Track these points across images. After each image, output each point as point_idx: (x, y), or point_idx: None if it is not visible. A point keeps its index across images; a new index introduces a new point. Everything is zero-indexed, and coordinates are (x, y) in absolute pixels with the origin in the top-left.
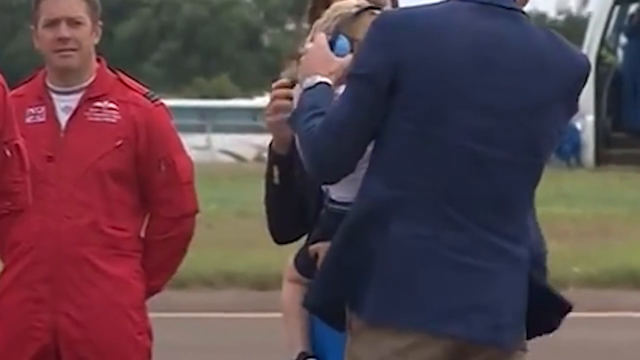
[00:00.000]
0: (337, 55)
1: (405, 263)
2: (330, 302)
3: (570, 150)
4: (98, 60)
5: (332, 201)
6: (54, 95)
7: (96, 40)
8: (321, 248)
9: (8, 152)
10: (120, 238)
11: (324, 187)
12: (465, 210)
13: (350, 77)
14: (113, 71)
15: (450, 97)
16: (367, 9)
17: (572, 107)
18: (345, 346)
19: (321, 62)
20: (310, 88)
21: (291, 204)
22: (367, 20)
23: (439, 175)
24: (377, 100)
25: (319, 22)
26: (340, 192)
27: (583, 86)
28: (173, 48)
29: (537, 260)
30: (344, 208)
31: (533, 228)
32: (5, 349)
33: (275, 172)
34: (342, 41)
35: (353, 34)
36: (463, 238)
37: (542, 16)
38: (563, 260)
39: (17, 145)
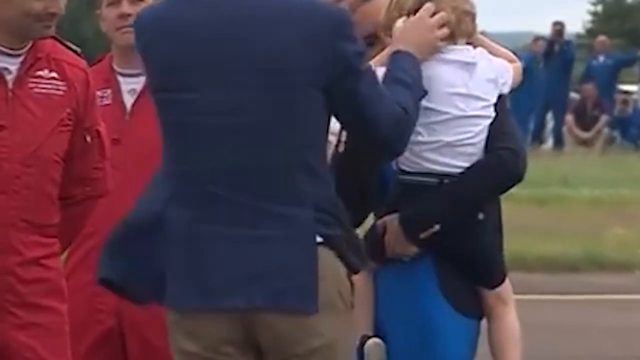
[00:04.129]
0: None
1: (181, 247)
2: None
3: (637, 132)
4: None
5: (403, 172)
6: (120, 78)
7: None
8: (388, 222)
9: (88, 138)
10: None
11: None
12: (230, 185)
13: None
14: None
15: (186, 78)
16: None
17: (332, 63)
18: None
19: None
20: None
21: (351, 190)
22: None
23: (197, 157)
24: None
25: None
26: (407, 162)
27: (337, 39)
28: None
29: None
30: (415, 178)
31: (322, 186)
32: (71, 331)
33: None
34: None
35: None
36: (234, 212)
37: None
38: (630, 243)
39: (98, 131)
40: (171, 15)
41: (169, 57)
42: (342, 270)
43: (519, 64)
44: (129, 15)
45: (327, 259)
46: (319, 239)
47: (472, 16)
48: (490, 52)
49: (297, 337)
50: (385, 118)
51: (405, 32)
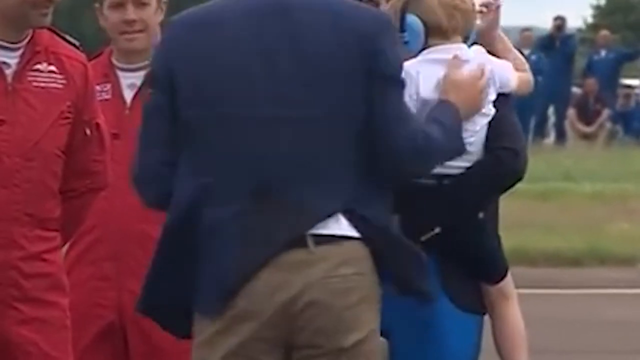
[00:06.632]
0: (409, 31)
1: (223, 245)
2: (163, 306)
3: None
4: None
5: None
6: (119, 73)
7: (160, 17)
8: None
9: (88, 131)
10: None
11: None
12: (270, 179)
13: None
14: None
15: (224, 70)
16: None
17: (378, 67)
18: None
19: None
20: None
21: None
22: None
23: (236, 151)
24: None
25: (392, 1)
26: None
27: (382, 42)
28: None
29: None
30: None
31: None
32: (72, 325)
33: None
34: (411, 19)
35: (420, 13)
36: (271, 210)
37: None
38: (632, 237)
39: (97, 124)
40: (211, 17)
41: (208, 56)
42: (374, 267)
43: (528, 75)
44: (134, 21)
45: (364, 256)
46: (355, 235)
47: (463, 12)
48: (499, 56)
49: (338, 330)
50: (404, 139)
51: (459, 87)
